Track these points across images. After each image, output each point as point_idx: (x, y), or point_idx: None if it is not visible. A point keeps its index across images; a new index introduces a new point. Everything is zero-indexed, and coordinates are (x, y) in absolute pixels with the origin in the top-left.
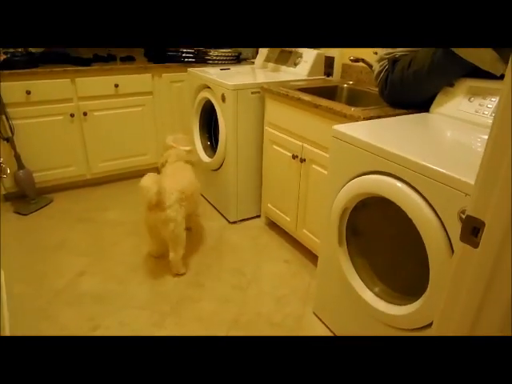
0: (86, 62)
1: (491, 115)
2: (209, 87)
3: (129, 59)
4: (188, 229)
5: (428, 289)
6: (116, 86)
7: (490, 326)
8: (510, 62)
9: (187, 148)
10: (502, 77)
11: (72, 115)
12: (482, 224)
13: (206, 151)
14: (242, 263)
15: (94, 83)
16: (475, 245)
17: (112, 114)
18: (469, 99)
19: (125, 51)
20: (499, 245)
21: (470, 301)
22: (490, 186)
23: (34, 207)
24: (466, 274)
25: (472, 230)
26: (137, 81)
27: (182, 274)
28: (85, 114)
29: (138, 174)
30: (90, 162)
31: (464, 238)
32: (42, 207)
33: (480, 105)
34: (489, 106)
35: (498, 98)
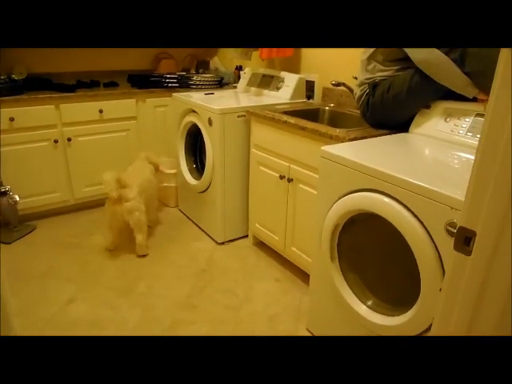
0: (69, 89)
1: (466, 134)
2: (194, 111)
3: (112, 85)
4: (149, 226)
5: (420, 297)
6: (100, 111)
7: (486, 328)
8: (492, 86)
9: (173, 171)
10: (474, 99)
11: (56, 141)
12: (474, 234)
13: (191, 174)
14: (233, 284)
15: (79, 109)
16: (468, 253)
17: (96, 139)
18: (445, 120)
19: (108, 77)
20: (490, 252)
21: (465, 304)
22: (480, 200)
23: (17, 235)
24: (460, 279)
25: (464, 239)
26: (121, 106)
27: (145, 255)
28: (69, 139)
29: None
30: (73, 188)
31: (457, 247)
32: (26, 235)
33: (455, 125)
34: (463, 125)
35: (471, 119)
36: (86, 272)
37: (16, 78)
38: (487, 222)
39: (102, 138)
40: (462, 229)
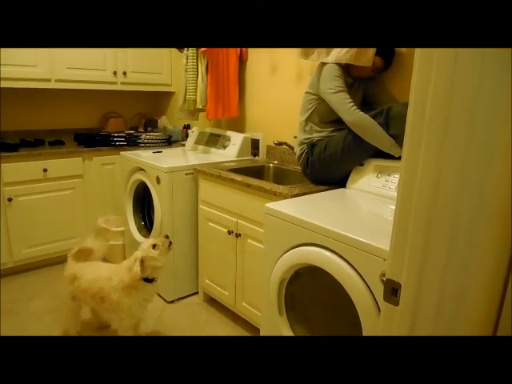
0: (12, 148)
1: (396, 189)
2: (142, 169)
3: (58, 143)
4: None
5: None
6: (45, 170)
7: None
8: (404, 143)
9: (120, 229)
10: (400, 158)
11: None
12: (399, 285)
13: (140, 231)
14: None
15: (21, 168)
16: (396, 303)
17: (40, 199)
18: (376, 176)
19: (53, 136)
20: (414, 301)
21: None
22: (401, 253)
23: None
24: (392, 328)
25: (392, 290)
26: (67, 165)
27: None
28: (10, 199)
29: (66, 258)
30: (12, 249)
31: (386, 298)
32: None
33: (386, 180)
34: (393, 181)
35: (399, 175)
36: None
37: None
38: (409, 274)
39: (46, 197)
40: (388, 281)
